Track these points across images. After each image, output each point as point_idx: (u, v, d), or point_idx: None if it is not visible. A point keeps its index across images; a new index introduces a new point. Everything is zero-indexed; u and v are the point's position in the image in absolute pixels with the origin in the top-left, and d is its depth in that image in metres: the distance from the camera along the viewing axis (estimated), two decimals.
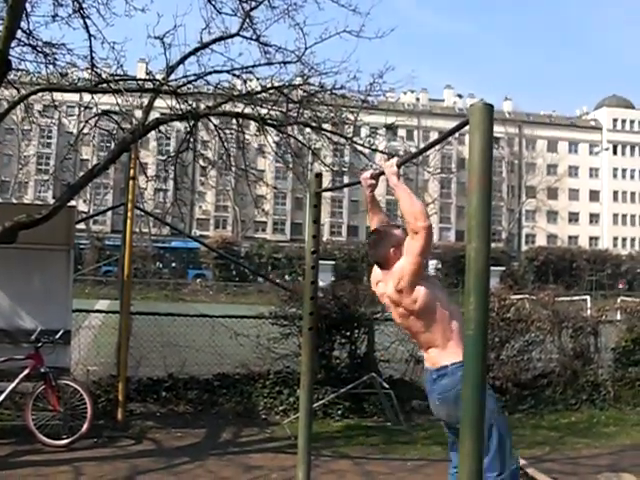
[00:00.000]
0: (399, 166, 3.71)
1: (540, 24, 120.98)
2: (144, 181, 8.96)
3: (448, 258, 49.01)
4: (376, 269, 4.02)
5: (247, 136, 8.55)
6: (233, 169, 9.01)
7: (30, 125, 9.40)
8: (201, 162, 9.26)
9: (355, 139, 7.83)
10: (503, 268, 42.46)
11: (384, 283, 3.89)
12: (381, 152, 8.61)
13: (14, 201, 39.86)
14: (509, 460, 3.71)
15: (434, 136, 73.13)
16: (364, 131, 8.91)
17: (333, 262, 40.00)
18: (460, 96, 75.58)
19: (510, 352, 9.26)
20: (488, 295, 2.73)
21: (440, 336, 3.69)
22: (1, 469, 6.01)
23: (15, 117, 8.75)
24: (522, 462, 6.12)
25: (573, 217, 75.69)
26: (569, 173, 75.27)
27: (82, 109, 7.90)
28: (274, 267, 45.85)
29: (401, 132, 52.09)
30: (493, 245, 64.94)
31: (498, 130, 70.55)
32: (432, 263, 48.18)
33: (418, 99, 72.86)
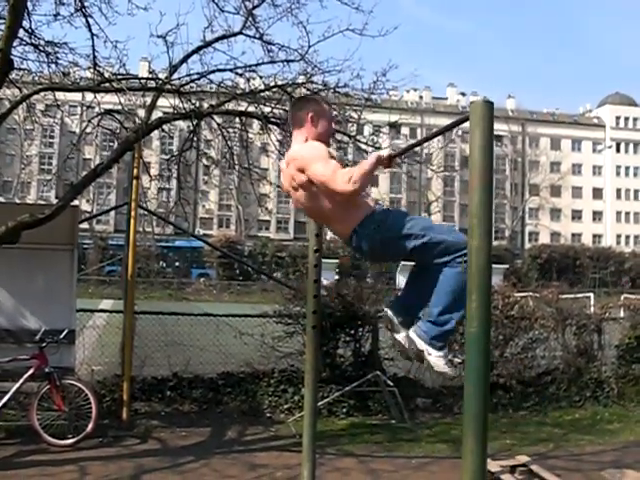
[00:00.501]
0: (391, 157, 3.61)
1: (542, 22, 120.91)
2: (147, 180, 8.96)
3: None
4: None
5: (250, 135, 8.54)
6: (236, 168, 9.00)
7: (32, 125, 9.40)
8: (204, 161, 9.24)
9: (358, 137, 7.82)
10: (506, 266, 42.30)
11: (292, 146, 3.69)
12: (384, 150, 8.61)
13: (17, 201, 39.88)
14: (455, 235, 3.46)
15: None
16: (367, 129, 8.91)
17: (337, 260, 40.03)
18: (463, 94, 75.46)
19: (514, 350, 9.27)
20: (490, 292, 2.73)
21: (333, 209, 3.47)
22: (6, 469, 6.02)
23: (17, 117, 8.75)
24: (526, 459, 6.15)
25: (576, 215, 75.54)
26: (572, 171, 75.10)
27: (85, 108, 7.91)
28: (277, 266, 45.83)
29: (404, 130, 52.13)
30: (496, 243, 65.02)
31: (501, 128, 70.41)
32: None
33: (421, 97, 72.77)
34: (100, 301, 22.09)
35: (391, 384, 8.20)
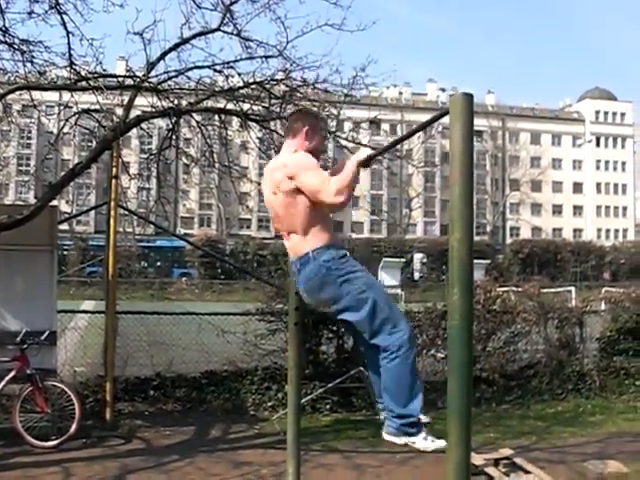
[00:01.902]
0: (370, 157, 3.63)
1: (522, 17, 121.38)
2: (127, 180, 8.88)
3: (433, 252, 49.07)
4: None
5: (230, 132, 8.49)
6: (216, 166, 8.95)
7: (9, 125, 9.27)
8: (184, 159, 9.18)
9: (338, 133, 7.81)
10: (488, 261, 42.54)
11: (281, 153, 3.78)
12: (365, 146, 8.59)
13: None
14: (399, 320, 3.51)
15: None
16: (347, 126, 8.91)
17: None
18: (443, 90, 75.63)
19: (496, 344, 9.34)
20: (472, 285, 2.74)
21: (302, 221, 3.54)
22: None
23: (9, 118, 8.63)
24: (509, 452, 6.18)
25: (557, 209, 76.13)
26: (552, 165, 75.59)
27: (62, 108, 7.81)
28: (259, 264, 45.74)
29: (385, 126, 52.07)
30: (478, 238, 65.29)
31: (481, 123, 70.67)
32: (417, 257, 48.31)
33: (401, 93, 72.86)
34: (82, 302, 21.88)
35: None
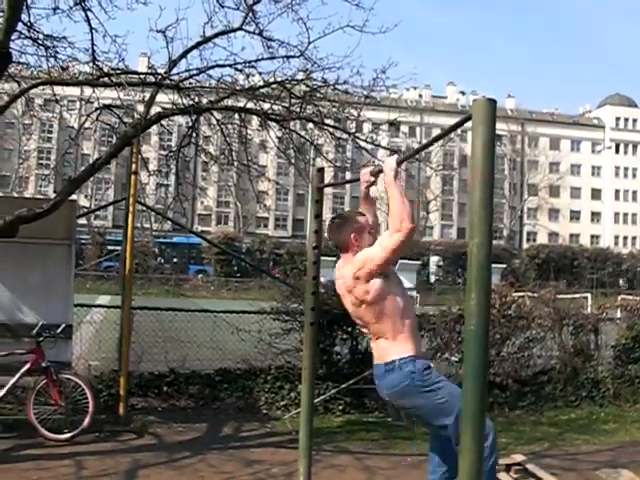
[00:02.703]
0: (399, 164, 3.71)
1: (543, 21, 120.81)
2: (146, 176, 8.94)
3: (449, 255, 48.88)
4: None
5: (249, 131, 8.50)
6: (235, 164, 8.98)
7: (31, 119, 9.35)
8: (203, 157, 9.22)
9: (358, 135, 7.80)
10: (504, 265, 42.29)
11: (344, 268, 3.88)
12: (383, 148, 8.60)
13: (15, 195, 39.80)
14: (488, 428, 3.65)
15: (436, 133, 72.68)
16: (367, 127, 8.89)
17: (336, 258, 40.07)
18: (463, 93, 75.48)
19: (511, 349, 9.26)
20: (490, 290, 2.73)
21: (390, 328, 3.70)
22: (3, 462, 6.02)
23: (16, 111, 8.71)
24: (521, 458, 6.15)
25: (575, 215, 75.59)
26: (571, 171, 75.12)
27: (84, 103, 7.85)
28: (275, 263, 45.80)
29: (404, 128, 52.06)
30: (494, 242, 64.44)
31: (500, 127, 70.27)
32: (433, 260, 48.11)
33: (421, 95, 72.72)
34: (97, 296, 22.05)
35: None
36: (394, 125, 8.58)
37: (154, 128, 7.78)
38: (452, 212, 72.02)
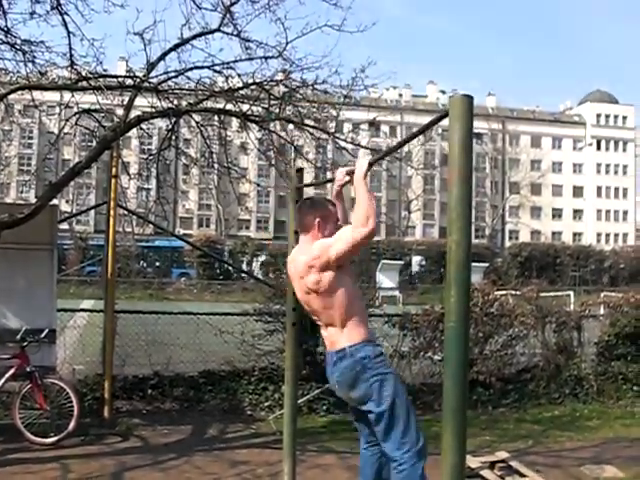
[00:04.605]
0: (371, 164, 3.74)
1: (523, 19, 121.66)
2: (127, 180, 8.91)
3: (432, 254, 49.03)
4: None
5: (229, 133, 8.50)
6: (215, 167, 8.96)
7: (10, 125, 9.29)
8: (183, 160, 9.21)
9: (337, 135, 7.82)
10: (486, 264, 42.54)
11: (300, 253, 3.87)
12: (364, 147, 8.62)
13: None
14: (415, 437, 3.71)
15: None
16: (347, 127, 8.92)
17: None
18: (443, 92, 75.68)
19: (494, 347, 9.29)
20: (469, 287, 2.77)
21: (338, 316, 3.70)
22: None
23: (10, 118, 8.67)
24: (505, 455, 6.20)
25: (557, 213, 76.14)
26: (553, 169, 75.61)
27: (63, 108, 7.82)
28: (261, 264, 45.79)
29: (384, 128, 52.17)
30: (476, 241, 65.21)
31: (481, 126, 70.69)
32: (416, 260, 48.29)
33: (401, 95, 72.98)
34: (81, 301, 21.91)
35: None
36: (374, 125, 8.61)
37: (134, 132, 7.75)
38: (434, 211, 72.35)
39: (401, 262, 41.36)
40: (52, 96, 9.29)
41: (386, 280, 34.48)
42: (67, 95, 7.44)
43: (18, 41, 6.99)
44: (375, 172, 53.29)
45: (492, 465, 6.05)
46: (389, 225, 66.35)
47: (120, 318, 8.42)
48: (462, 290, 2.70)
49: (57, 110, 9.42)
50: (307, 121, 7.69)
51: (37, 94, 7.70)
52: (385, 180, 63.41)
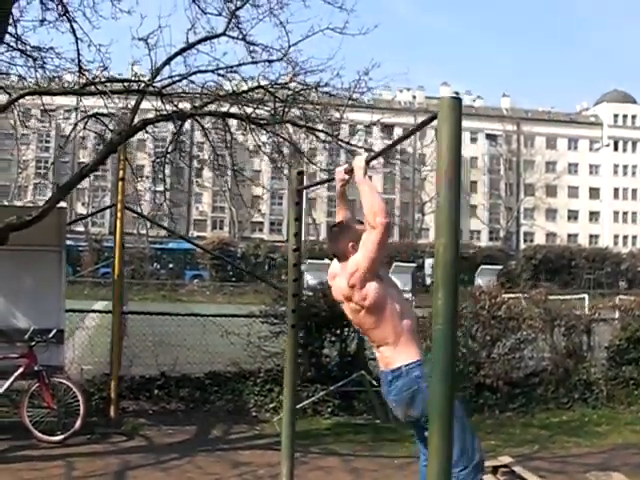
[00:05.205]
0: (368, 162, 3.75)
1: (538, 19, 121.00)
2: (140, 183, 9.01)
3: None
4: (334, 263, 4.08)
5: (242, 137, 8.53)
6: (227, 170, 9.00)
7: (27, 129, 9.41)
8: (195, 163, 9.28)
9: (343, 138, 7.84)
10: (500, 267, 42.24)
11: (340, 277, 3.91)
12: (367, 150, 8.59)
13: (5, 203, 39.75)
14: (471, 454, 3.73)
15: (430, 134, 72.98)
16: (348, 129, 8.91)
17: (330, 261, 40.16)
18: (457, 93, 75.42)
19: (501, 350, 9.24)
20: (457, 289, 2.76)
21: (391, 333, 3.71)
22: None
23: (12, 122, 8.81)
24: (509, 460, 6.16)
25: (572, 215, 75.33)
26: (568, 170, 74.79)
27: (74, 112, 7.92)
28: (270, 267, 45.81)
29: (398, 130, 52.16)
30: (490, 244, 64.93)
31: (496, 127, 70.37)
32: (429, 262, 48.06)
33: (415, 97, 72.79)
34: (95, 302, 22.08)
35: (375, 384, 8.21)
36: (375, 126, 8.59)
37: (149, 136, 7.84)
38: None
39: (414, 265, 41.15)
40: (68, 101, 9.40)
41: (399, 283, 34.29)
42: (83, 100, 7.54)
43: (28, 48, 7.12)
44: (388, 175, 53.20)
45: (495, 470, 6.02)
46: (402, 228, 66.16)
47: (128, 319, 8.51)
48: (449, 292, 2.70)
49: (72, 114, 9.53)
50: (315, 125, 7.69)
51: (54, 99, 7.81)
52: (398, 182, 63.26)
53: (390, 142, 4.07)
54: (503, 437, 7.64)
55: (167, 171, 8.47)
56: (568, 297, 16.43)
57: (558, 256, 53.63)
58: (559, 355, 9.53)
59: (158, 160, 7.98)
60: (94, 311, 10.12)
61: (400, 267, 38.88)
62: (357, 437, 7.46)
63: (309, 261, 33.30)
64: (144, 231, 45.81)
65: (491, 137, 72.48)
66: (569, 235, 73.19)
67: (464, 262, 49.38)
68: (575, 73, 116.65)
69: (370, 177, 3.92)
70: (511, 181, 72.37)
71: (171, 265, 45.34)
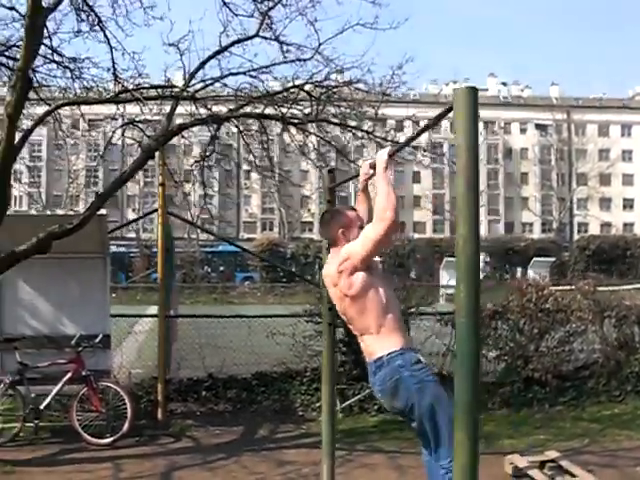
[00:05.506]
0: (391, 155, 3.71)
1: (586, 3, 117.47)
2: (189, 187, 9.14)
3: (497, 250, 48.14)
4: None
5: (287, 138, 8.51)
6: (272, 172, 9.07)
7: (77, 139, 9.65)
8: (245, 166, 9.34)
9: (393, 134, 7.78)
10: (552, 259, 41.34)
11: (330, 264, 3.88)
12: (406, 145, 8.54)
13: (48, 212, 40.87)
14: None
15: (479, 126, 71.77)
16: (408, 125, 8.82)
17: (380, 259, 40.09)
18: (504, 84, 74.24)
19: (550, 343, 9.09)
20: (478, 282, 2.72)
21: (373, 323, 3.67)
22: (48, 466, 6.34)
23: (60, 133, 9.09)
24: (556, 455, 6.05)
25: (628, 203, 73.17)
26: (622, 158, 72.68)
27: (115, 120, 8.06)
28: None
29: (445, 123, 51.58)
30: (543, 236, 63.66)
31: (545, 117, 68.90)
32: (480, 256, 47.38)
33: None
34: (147, 307, 22.49)
35: None
36: (412, 121, 8.52)
37: (196, 140, 7.96)
38: (498, 207, 70.90)
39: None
40: (112, 110, 9.62)
41: (450, 278, 34.02)
42: (127, 108, 7.69)
43: (65, 59, 7.30)
44: (437, 169, 52.73)
45: (542, 465, 5.92)
46: (453, 222, 65.44)
47: (182, 323, 8.63)
48: (471, 285, 2.67)
49: (112, 123, 9.74)
50: (360, 123, 7.65)
51: (89, 109, 7.98)
52: (447, 177, 62.57)
53: (437, 135, 4.01)
54: (553, 431, 7.51)
55: (215, 174, 8.58)
56: (626, 287, 15.97)
57: (612, 246, 52.05)
58: (610, 347, 9.31)
59: (196, 165, 8.09)
60: (138, 315, 10.29)
61: (451, 262, 38.41)
62: (403, 434, 7.38)
63: None
64: (194, 235, 46.49)
65: (541, 127, 71.07)
66: (625, 224, 71.08)
67: (516, 255, 48.84)
68: (627, 57, 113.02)
69: (390, 172, 3.89)
70: (563, 171, 70.73)
71: (222, 268, 45.80)
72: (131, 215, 53.38)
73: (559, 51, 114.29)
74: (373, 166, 3.89)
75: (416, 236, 57.52)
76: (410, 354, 3.68)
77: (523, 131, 71.12)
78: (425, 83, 55.81)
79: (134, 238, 46.56)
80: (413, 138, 4.01)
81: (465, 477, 2.61)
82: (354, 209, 4.02)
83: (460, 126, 2.74)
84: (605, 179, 70.75)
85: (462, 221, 2.70)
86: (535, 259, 38.36)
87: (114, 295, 28.83)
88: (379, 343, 3.67)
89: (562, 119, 70.61)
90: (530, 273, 30.39)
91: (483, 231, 67.42)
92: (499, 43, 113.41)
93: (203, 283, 38.98)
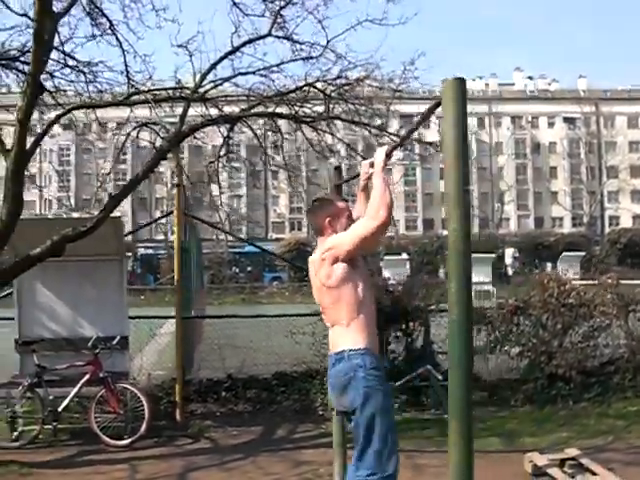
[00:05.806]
0: (388, 154, 3.67)
1: None
2: (216, 189, 9.15)
3: (527, 246, 47.52)
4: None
5: (315, 137, 8.48)
6: (298, 171, 9.06)
7: (104, 143, 9.74)
8: (273, 167, 9.33)
9: (389, 131, 7.74)
10: (583, 253, 40.65)
11: (316, 253, 3.84)
12: (424, 143, 8.48)
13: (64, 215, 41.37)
14: (385, 463, 3.57)
15: (506, 121, 71.22)
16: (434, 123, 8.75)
17: (408, 256, 39.96)
18: (531, 78, 73.33)
19: (574, 338, 8.93)
20: (470, 278, 2.66)
21: (345, 316, 3.62)
22: (66, 467, 6.40)
23: (91, 137, 9.20)
24: (576, 452, 5.91)
25: None
26: None
27: (122, 124, 8.12)
28: None
29: (472, 120, 51.16)
30: (573, 230, 62.67)
31: (573, 110, 67.93)
32: (509, 252, 46.89)
33: (487, 85, 71.24)
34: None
35: (440, 378, 8.05)
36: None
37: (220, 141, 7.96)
38: (528, 202, 70.07)
39: (492, 255, 40.23)
40: (123, 113, 9.68)
41: (478, 275, 33.69)
42: (144, 110, 7.74)
43: (78, 63, 7.37)
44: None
45: (562, 462, 5.78)
46: (482, 218, 64.74)
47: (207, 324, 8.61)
48: (462, 281, 2.61)
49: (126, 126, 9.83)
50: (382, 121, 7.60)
51: (102, 112, 8.03)
52: (475, 173, 61.99)
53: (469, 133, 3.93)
54: (576, 428, 7.36)
55: (242, 174, 8.61)
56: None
57: None
58: (636, 342, 9.09)
59: (211, 164, 8.10)
60: (156, 317, 10.28)
61: (478, 258, 38.07)
62: (423, 433, 7.34)
63: (386, 257, 33.15)
64: (222, 236, 46.67)
65: (569, 120, 70.04)
66: None
67: (545, 250, 48.15)
68: None
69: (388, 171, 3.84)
70: (592, 164, 69.58)
71: (249, 268, 45.97)
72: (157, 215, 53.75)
73: (586, 45, 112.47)
74: (372, 165, 3.85)
75: (445, 233, 57.00)
76: (372, 357, 3.61)
77: (551, 125, 70.18)
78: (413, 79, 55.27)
79: (162, 240, 46.96)
80: (406, 137, 3.96)
81: (458, 476, 2.56)
82: (346, 200, 3.98)
83: (448, 119, 2.68)
84: (636, 171, 69.40)
85: (453, 216, 2.65)
86: (565, 254, 37.77)
87: (142, 297, 29.23)
88: (346, 336, 3.62)
89: (590, 112, 69.47)
90: (559, 268, 29.95)
91: (513, 227, 66.73)
92: (524, 39, 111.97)
93: (231, 284, 39.11)
